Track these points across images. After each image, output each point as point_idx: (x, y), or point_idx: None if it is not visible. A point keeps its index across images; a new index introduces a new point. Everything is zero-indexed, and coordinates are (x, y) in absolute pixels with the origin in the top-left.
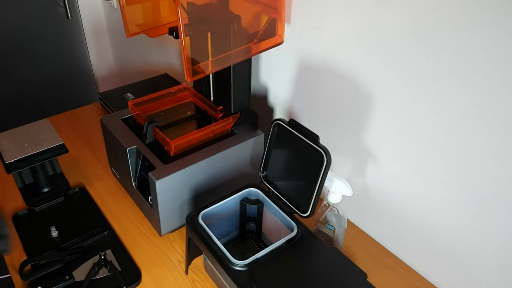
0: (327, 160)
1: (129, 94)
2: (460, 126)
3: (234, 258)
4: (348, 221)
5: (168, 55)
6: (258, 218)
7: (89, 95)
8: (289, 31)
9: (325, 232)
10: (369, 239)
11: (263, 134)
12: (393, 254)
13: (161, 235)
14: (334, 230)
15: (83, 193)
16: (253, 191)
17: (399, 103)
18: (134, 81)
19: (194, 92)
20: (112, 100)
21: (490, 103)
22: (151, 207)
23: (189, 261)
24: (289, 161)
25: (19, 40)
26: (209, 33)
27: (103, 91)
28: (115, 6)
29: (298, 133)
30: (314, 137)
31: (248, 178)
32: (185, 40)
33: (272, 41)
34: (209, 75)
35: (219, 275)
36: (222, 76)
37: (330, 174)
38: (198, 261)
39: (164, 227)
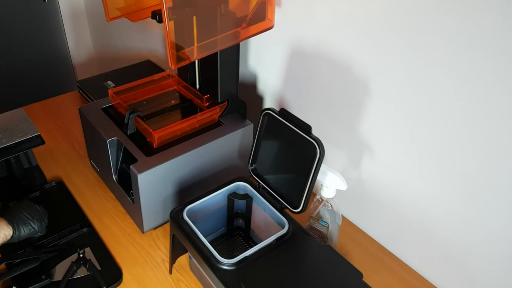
0: (320, 152)
1: (109, 82)
2: (462, 116)
3: (221, 257)
4: (343, 217)
5: (151, 41)
6: (246, 214)
7: (66, 83)
8: (280, 15)
9: (318, 228)
10: (365, 236)
11: (252, 124)
12: (390, 252)
13: (143, 232)
14: (327, 227)
15: (61, 188)
16: (242, 185)
17: (396, 92)
18: (114, 68)
19: (179, 79)
20: (91, 89)
21: (493, 92)
22: (133, 202)
23: (173, 259)
24: (280, 153)
25: None
26: (194, 17)
27: (81, 78)
28: None
29: (290, 124)
30: (307, 128)
31: (236, 171)
32: (169, 24)
33: (262, 25)
34: (194, 62)
35: (205, 274)
36: (208, 62)
37: (323, 167)
38: (183, 259)
39: (146, 224)
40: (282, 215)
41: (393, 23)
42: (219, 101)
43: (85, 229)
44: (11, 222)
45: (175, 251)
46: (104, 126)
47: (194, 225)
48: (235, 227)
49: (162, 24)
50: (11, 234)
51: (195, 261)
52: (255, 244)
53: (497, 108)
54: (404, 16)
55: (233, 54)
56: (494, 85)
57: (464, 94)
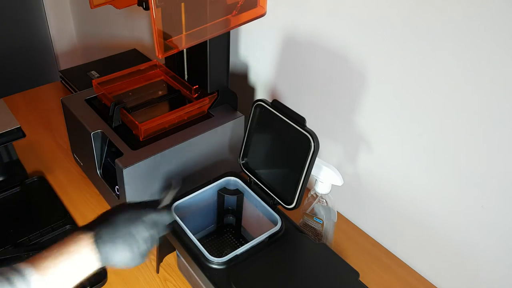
0: (314, 146)
1: (93, 72)
2: (464, 106)
3: (211, 255)
4: (338, 213)
5: (137, 29)
6: (237, 211)
7: (48, 73)
8: (272, 1)
9: (313, 226)
10: (362, 233)
11: (243, 116)
12: (388, 250)
13: None
14: (322, 224)
15: (42, 183)
16: (232, 180)
17: (396, 82)
18: (99, 58)
19: (166, 69)
20: (74, 79)
21: (500, 84)
22: (118, 198)
23: (160, 258)
24: (272, 147)
25: None
26: (182, 4)
27: (64, 68)
28: None
29: (282, 116)
30: (300, 120)
31: (226, 165)
32: (156, 11)
33: (253, 12)
34: (182, 51)
35: (194, 274)
36: (197, 52)
37: (317, 161)
38: (171, 258)
39: None
40: (275, 211)
41: (392, 10)
42: (208, 92)
43: (68, 226)
44: (99, 248)
45: (162, 250)
46: (88, 118)
47: (182, 222)
48: (225, 224)
49: (148, 11)
50: (96, 267)
51: (183, 260)
52: (246, 242)
53: (502, 101)
54: (404, 2)
55: (223, 42)
56: (502, 76)
57: (468, 84)
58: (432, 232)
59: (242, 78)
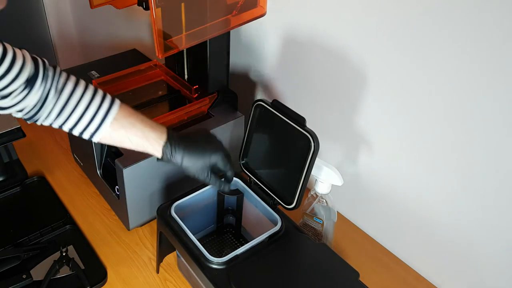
0: (314, 146)
1: (93, 72)
2: (464, 107)
3: (211, 255)
4: (338, 213)
5: (137, 29)
6: (237, 211)
7: None
8: (272, 1)
9: (313, 225)
10: (362, 233)
11: (243, 116)
12: (389, 250)
13: (129, 230)
14: (322, 224)
15: (42, 183)
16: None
17: (396, 82)
18: (99, 57)
19: (166, 69)
20: None
21: (498, 83)
22: (118, 198)
23: (160, 258)
24: (272, 147)
25: None
26: (183, 4)
27: (64, 68)
28: None
29: (282, 116)
30: (300, 120)
31: None
32: (156, 11)
33: (253, 12)
34: (182, 51)
35: (194, 274)
36: (197, 52)
37: (317, 161)
38: (171, 258)
39: (132, 221)
40: (275, 211)
41: (393, 10)
42: (208, 92)
43: (68, 226)
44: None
45: (163, 250)
46: None
47: (182, 222)
48: (225, 224)
49: (148, 11)
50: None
51: (183, 260)
52: (246, 242)
53: (502, 101)
54: (405, 2)
55: (223, 42)
56: (502, 76)
57: (468, 84)
58: (432, 232)
59: (242, 78)
